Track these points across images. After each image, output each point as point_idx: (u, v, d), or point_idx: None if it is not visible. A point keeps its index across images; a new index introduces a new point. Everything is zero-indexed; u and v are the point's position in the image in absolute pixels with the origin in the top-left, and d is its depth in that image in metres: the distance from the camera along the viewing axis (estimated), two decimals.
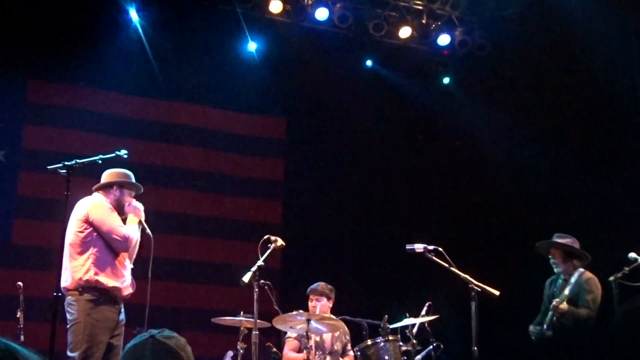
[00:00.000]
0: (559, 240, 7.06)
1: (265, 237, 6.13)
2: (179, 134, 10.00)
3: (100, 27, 9.01)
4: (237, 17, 9.37)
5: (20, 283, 6.76)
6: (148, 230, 5.93)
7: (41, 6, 8.75)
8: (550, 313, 6.79)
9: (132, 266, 5.97)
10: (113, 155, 5.60)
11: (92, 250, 5.61)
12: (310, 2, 9.41)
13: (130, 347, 2.54)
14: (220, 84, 9.94)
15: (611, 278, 6.76)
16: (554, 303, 6.72)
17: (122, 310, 5.83)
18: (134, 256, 6.03)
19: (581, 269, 6.97)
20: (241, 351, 6.59)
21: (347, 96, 10.48)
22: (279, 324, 6.58)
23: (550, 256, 7.11)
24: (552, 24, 9.32)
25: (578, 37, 9.08)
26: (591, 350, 6.56)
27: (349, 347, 7.33)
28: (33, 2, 8.71)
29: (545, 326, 6.85)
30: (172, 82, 9.84)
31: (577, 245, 7.06)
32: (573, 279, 6.90)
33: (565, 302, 6.69)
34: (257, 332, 5.90)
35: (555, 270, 7.11)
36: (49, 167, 5.36)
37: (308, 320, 6.37)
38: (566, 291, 6.82)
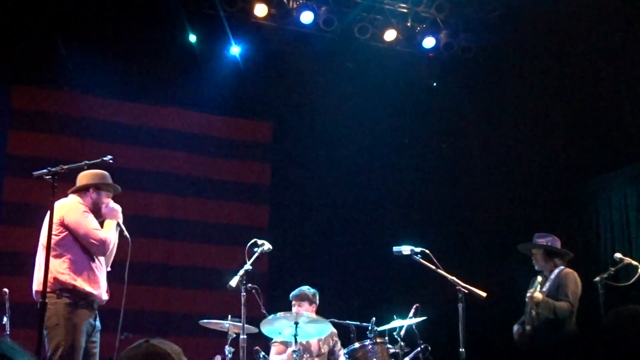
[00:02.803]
0: (540, 241, 7.15)
1: (252, 241, 6.13)
2: (165, 139, 9.97)
3: (84, 31, 8.97)
4: (222, 21, 9.35)
5: (6, 289, 6.72)
6: (126, 233, 5.87)
7: (24, 11, 8.70)
8: (528, 307, 6.85)
9: (109, 269, 5.91)
10: (98, 160, 5.56)
11: (67, 254, 5.55)
12: (295, 6, 9.41)
13: (125, 352, 2.57)
14: (206, 88, 9.92)
15: (597, 278, 6.82)
16: (528, 293, 6.82)
17: (97, 316, 5.76)
18: (112, 259, 5.95)
19: (561, 266, 7.05)
20: (229, 355, 6.57)
21: (333, 99, 10.49)
22: (266, 327, 6.58)
23: (532, 257, 7.19)
24: (536, 25, 9.37)
25: (562, 38, 9.14)
26: (575, 347, 6.62)
27: (338, 347, 7.29)
28: (15, 7, 8.66)
29: (525, 321, 6.92)
30: (157, 86, 9.82)
31: (558, 243, 7.15)
32: (552, 275, 7.01)
33: (538, 292, 6.78)
34: (245, 337, 5.90)
35: (536, 267, 7.19)
36: (34, 173, 5.31)
37: (296, 323, 6.37)
38: (545, 287, 6.91)
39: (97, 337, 5.74)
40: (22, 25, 8.76)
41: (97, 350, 5.70)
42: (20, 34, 8.80)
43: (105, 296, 5.76)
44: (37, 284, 5.53)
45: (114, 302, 5.86)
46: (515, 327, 7.15)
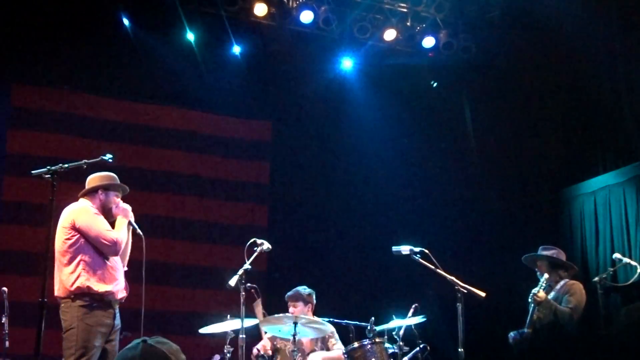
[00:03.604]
0: (544, 253, 7.12)
1: (252, 240, 6.14)
2: (165, 138, 9.98)
3: (85, 30, 8.97)
4: (222, 20, 9.35)
5: (5, 288, 6.72)
6: (139, 231, 5.88)
7: (24, 9, 8.70)
8: (530, 310, 6.83)
9: (126, 268, 5.93)
10: (98, 159, 5.56)
11: (81, 256, 5.55)
12: (295, 5, 9.41)
13: (122, 351, 2.56)
14: (206, 87, 9.92)
15: (596, 279, 6.83)
16: (532, 292, 6.79)
17: (117, 315, 5.75)
18: (127, 258, 5.97)
19: (566, 279, 7.02)
20: (228, 355, 6.57)
21: (332, 99, 10.49)
22: (265, 326, 6.58)
23: (536, 269, 7.16)
24: (535, 25, 9.37)
25: (561, 38, 9.13)
26: (573, 351, 6.61)
27: (332, 342, 7.21)
28: (15, 6, 8.66)
29: (525, 325, 6.89)
30: (157, 85, 9.82)
31: (562, 256, 7.12)
32: (558, 286, 6.98)
33: (542, 291, 6.75)
34: (244, 336, 5.90)
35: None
36: (33, 172, 5.31)
37: (295, 324, 6.37)
38: (550, 295, 6.88)
39: (116, 336, 5.72)
40: (21, 23, 8.76)
41: (115, 350, 5.67)
42: (20, 32, 8.80)
43: (122, 294, 5.75)
44: (56, 289, 5.55)
45: (125, 302, 5.86)
46: (512, 334, 7.13)
